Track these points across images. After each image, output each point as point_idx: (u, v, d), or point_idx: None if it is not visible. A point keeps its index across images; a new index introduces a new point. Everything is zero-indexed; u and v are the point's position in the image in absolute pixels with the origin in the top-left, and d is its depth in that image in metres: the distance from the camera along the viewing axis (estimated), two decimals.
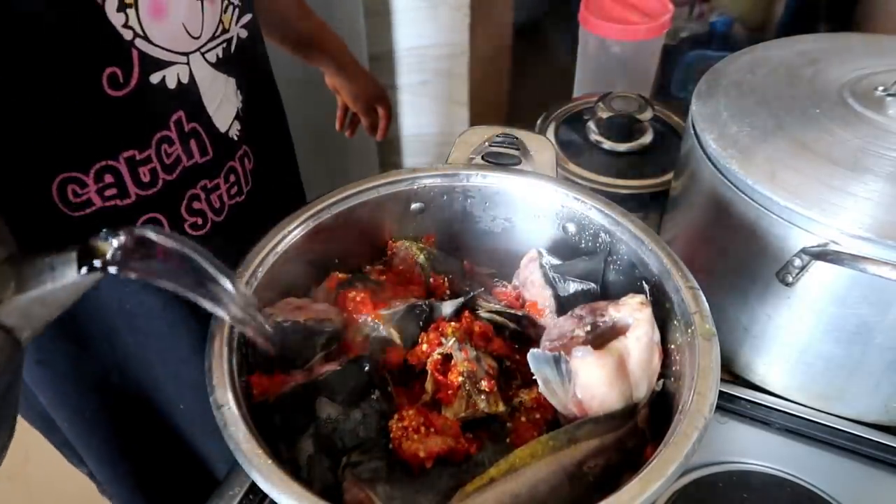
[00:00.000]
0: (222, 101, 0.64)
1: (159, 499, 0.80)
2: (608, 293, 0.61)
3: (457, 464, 0.49)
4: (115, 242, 0.37)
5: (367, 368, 0.53)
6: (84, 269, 0.36)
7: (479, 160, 0.68)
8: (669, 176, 0.84)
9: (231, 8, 0.63)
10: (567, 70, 1.19)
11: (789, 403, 0.68)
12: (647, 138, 0.94)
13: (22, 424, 0.76)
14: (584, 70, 1.15)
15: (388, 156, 1.62)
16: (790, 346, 0.64)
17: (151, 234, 0.37)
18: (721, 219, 0.64)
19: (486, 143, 0.69)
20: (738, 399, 0.68)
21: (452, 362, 0.53)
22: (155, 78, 0.56)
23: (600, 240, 0.62)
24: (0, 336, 0.35)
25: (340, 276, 0.62)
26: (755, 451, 0.65)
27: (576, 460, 0.47)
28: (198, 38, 0.59)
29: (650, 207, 0.88)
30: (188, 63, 0.59)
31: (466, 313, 0.59)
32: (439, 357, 0.54)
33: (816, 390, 0.66)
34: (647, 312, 0.53)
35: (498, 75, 1.67)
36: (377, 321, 0.57)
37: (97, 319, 0.65)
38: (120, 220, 0.58)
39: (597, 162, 0.92)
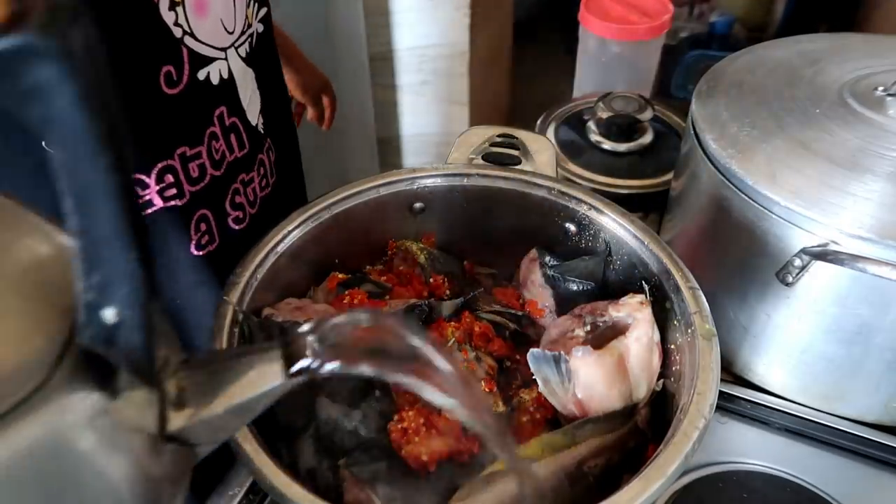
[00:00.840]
0: (251, 95, 0.66)
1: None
2: (608, 293, 0.61)
3: (457, 464, 0.49)
4: (315, 332, 0.31)
5: None
6: (293, 371, 0.31)
7: (479, 160, 0.68)
8: (669, 176, 0.84)
9: (252, 3, 0.64)
10: (567, 70, 1.19)
11: (789, 403, 0.67)
12: (647, 138, 0.94)
13: None
14: (584, 70, 1.15)
15: (388, 156, 1.62)
16: (790, 346, 0.64)
17: (361, 316, 0.31)
18: (721, 219, 0.64)
19: (486, 143, 0.69)
20: (738, 399, 0.68)
21: None
22: (202, 74, 0.57)
23: (600, 240, 0.62)
24: (186, 453, 0.30)
25: (340, 276, 0.62)
26: (755, 451, 0.64)
27: (576, 460, 0.47)
28: (232, 33, 0.60)
29: (650, 207, 0.88)
30: (226, 58, 0.60)
31: (466, 313, 0.59)
32: None
33: (816, 390, 0.66)
34: (647, 312, 0.53)
35: (498, 75, 1.67)
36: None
37: None
38: (176, 220, 0.59)
39: (597, 162, 0.92)
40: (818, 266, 0.57)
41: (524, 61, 1.72)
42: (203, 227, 0.62)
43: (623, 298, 0.55)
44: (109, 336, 0.25)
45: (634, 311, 0.53)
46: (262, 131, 0.69)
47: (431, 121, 1.56)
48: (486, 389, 0.52)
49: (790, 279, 0.59)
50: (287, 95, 0.81)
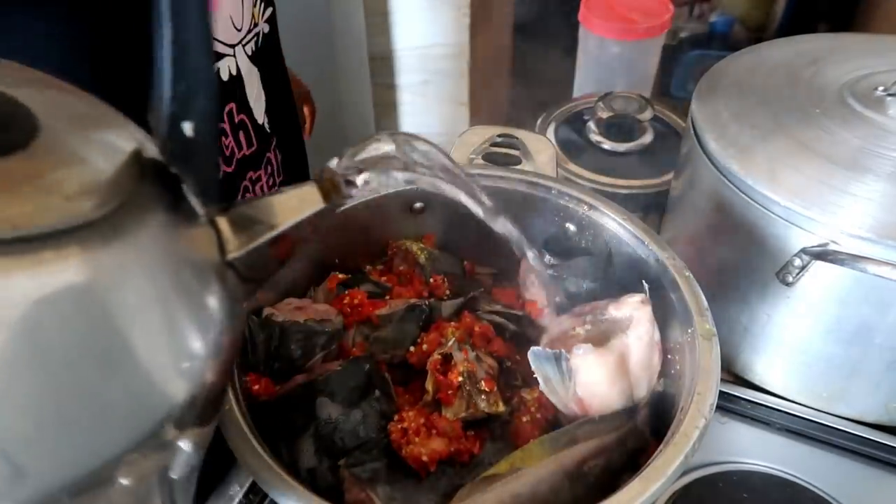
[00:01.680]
0: (258, 94, 0.66)
1: None
2: (608, 293, 0.61)
3: (457, 464, 0.49)
4: (341, 168, 0.35)
5: (367, 368, 0.53)
6: (330, 199, 0.34)
7: (479, 160, 0.68)
8: (669, 176, 0.84)
9: (259, 2, 0.64)
10: (567, 70, 1.19)
11: (789, 403, 0.67)
12: (647, 138, 0.94)
13: None
14: (584, 70, 1.15)
15: None
16: (790, 346, 0.64)
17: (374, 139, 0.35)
18: (721, 219, 0.64)
19: (486, 143, 0.69)
20: (738, 399, 0.68)
21: (452, 362, 0.53)
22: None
23: (600, 240, 0.62)
24: (241, 287, 0.30)
25: (340, 276, 0.62)
26: (755, 451, 0.64)
27: (576, 460, 0.47)
28: (240, 30, 0.61)
29: (650, 207, 0.88)
30: (234, 55, 0.60)
31: (466, 313, 0.59)
32: (439, 357, 0.54)
33: (816, 390, 0.66)
34: (648, 311, 0.53)
35: (498, 75, 1.67)
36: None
37: None
38: None
39: (597, 162, 0.92)
40: (818, 266, 0.57)
41: (524, 61, 1.72)
42: None
43: (623, 297, 0.55)
44: (187, 151, 0.27)
45: (635, 310, 0.53)
46: (269, 130, 0.69)
47: (431, 121, 1.55)
48: (487, 389, 0.52)
49: (790, 279, 0.59)
50: (292, 96, 0.81)
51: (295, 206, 0.33)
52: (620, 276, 0.61)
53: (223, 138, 0.60)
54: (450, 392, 0.52)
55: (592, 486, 0.47)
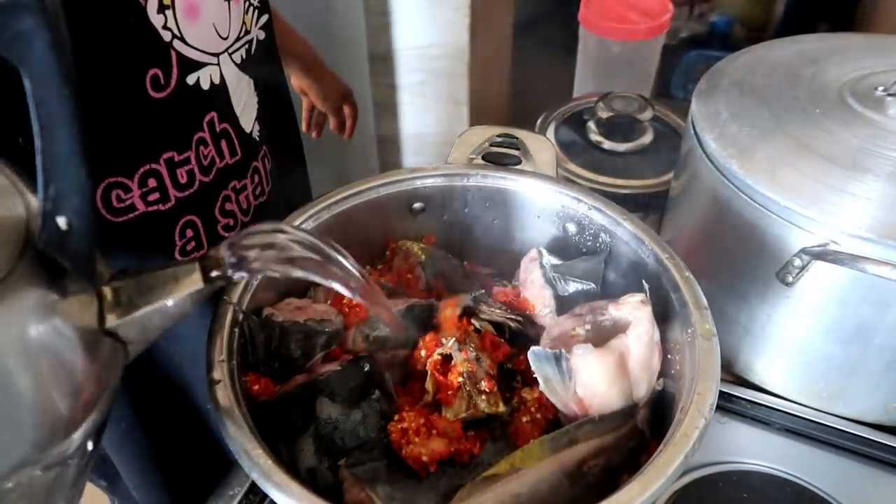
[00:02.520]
0: (246, 102, 0.65)
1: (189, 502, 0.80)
2: (608, 293, 0.61)
3: (457, 464, 0.49)
4: (229, 248, 0.38)
5: (367, 368, 0.53)
6: (209, 278, 0.37)
7: (479, 160, 0.68)
8: (669, 176, 0.84)
9: (252, 9, 0.63)
10: (567, 70, 1.19)
11: (789, 403, 0.68)
12: (647, 138, 0.94)
13: None
14: (584, 70, 1.15)
15: (388, 156, 1.62)
16: (790, 346, 0.64)
17: (264, 227, 0.38)
18: (721, 219, 0.64)
19: (486, 143, 0.69)
20: (738, 399, 0.68)
21: (452, 363, 0.53)
22: (191, 79, 0.56)
23: (600, 240, 0.62)
24: (119, 349, 0.36)
25: None
26: (755, 451, 0.65)
27: (576, 460, 0.47)
28: (226, 38, 0.60)
29: (650, 207, 0.88)
30: (218, 64, 0.59)
31: (467, 317, 0.59)
32: (439, 357, 0.54)
33: (816, 390, 0.66)
34: (648, 311, 0.53)
35: (498, 75, 1.67)
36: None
37: None
38: (159, 225, 0.58)
39: (597, 162, 0.92)
40: (818, 266, 0.57)
41: (524, 61, 1.72)
42: (189, 233, 0.61)
43: (623, 297, 0.55)
44: (61, 241, 0.31)
45: (635, 310, 0.53)
46: (258, 139, 0.68)
47: (431, 120, 1.55)
48: (487, 389, 0.52)
49: (790, 279, 0.59)
50: (290, 104, 0.80)
51: (175, 282, 0.37)
52: (620, 277, 0.61)
53: (202, 148, 0.59)
54: (450, 392, 0.52)
55: (592, 486, 0.47)
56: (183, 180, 0.58)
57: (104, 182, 0.54)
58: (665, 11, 1.06)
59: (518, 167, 0.67)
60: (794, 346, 0.64)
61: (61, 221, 0.31)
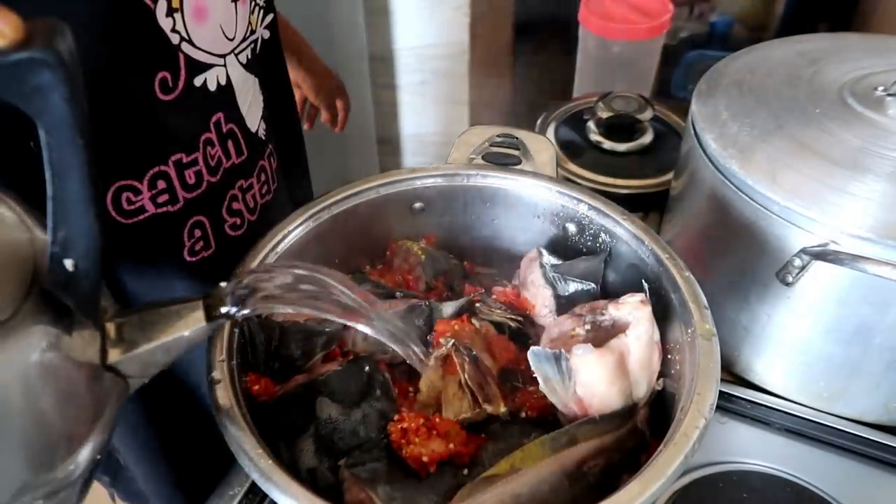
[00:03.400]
0: (252, 102, 0.65)
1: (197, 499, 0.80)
2: (608, 293, 0.61)
3: (458, 465, 0.49)
4: (232, 288, 0.39)
5: (367, 368, 0.53)
6: (212, 316, 0.38)
7: (479, 160, 0.68)
8: (669, 176, 0.84)
9: (257, 9, 0.63)
10: (567, 70, 1.19)
11: (789, 403, 0.67)
12: (647, 138, 0.94)
13: None
14: (584, 70, 1.15)
15: (388, 156, 1.62)
16: (790, 347, 0.64)
17: (266, 266, 0.41)
18: (721, 219, 0.64)
19: (486, 144, 0.69)
20: (738, 399, 0.68)
21: (452, 363, 0.53)
22: (198, 81, 0.57)
23: (600, 240, 0.62)
24: (120, 382, 0.37)
25: None
26: (755, 451, 0.64)
27: (576, 460, 0.47)
28: (232, 39, 0.60)
29: (650, 207, 0.88)
30: (225, 65, 0.60)
31: (466, 316, 0.59)
32: (439, 357, 0.54)
33: (816, 390, 0.66)
34: (647, 311, 0.53)
35: (498, 75, 1.67)
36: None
37: None
38: (169, 226, 0.59)
39: (597, 162, 0.92)
40: (818, 266, 0.57)
41: (524, 61, 1.72)
42: (198, 233, 0.61)
43: (623, 297, 0.55)
44: (67, 282, 0.32)
45: (634, 310, 0.53)
46: (264, 138, 0.68)
47: (431, 121, 1.56)
48: (487, 389, 0.52)
49: (790, 279, 0.59)
50: (293, 101, 0.81)
51: (178, 320, 0.38)
52: (620, 277, 0.61)
53: (209, 148, 0.60)
54: (450, 392, 0.52)
55: (592, 486, 0.47)
56: (191, 181, 0.59)
57: (114, 185, 0.54)
58: (665, 11, 1.06)
59: (518, 167, 0.67)
60: (795, 346, 0.64)
61: (68, 263, 0.31)
